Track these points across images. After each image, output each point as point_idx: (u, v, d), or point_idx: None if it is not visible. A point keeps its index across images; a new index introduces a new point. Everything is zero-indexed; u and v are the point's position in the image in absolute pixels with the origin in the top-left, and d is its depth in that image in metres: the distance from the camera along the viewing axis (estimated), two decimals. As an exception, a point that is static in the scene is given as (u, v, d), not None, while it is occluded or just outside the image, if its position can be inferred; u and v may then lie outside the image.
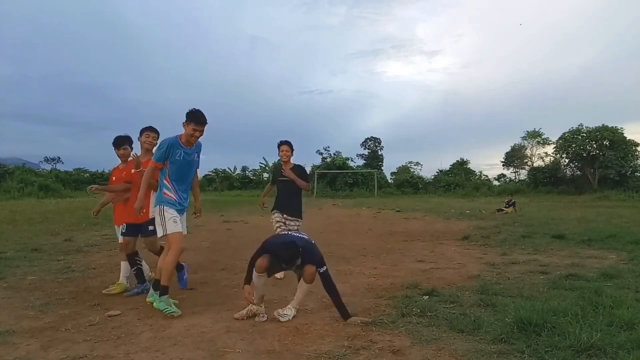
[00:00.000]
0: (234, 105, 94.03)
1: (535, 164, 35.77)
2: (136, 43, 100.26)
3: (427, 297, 4.10)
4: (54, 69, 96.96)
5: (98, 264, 6.08)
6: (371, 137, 41.66)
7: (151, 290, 4.09)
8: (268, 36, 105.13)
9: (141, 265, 4.63)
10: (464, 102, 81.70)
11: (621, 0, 79.76)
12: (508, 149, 38.39)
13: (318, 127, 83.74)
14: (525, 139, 37.06)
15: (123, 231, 4.53)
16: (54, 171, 36.52)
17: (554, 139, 32.53)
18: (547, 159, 34.24)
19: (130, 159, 4.60)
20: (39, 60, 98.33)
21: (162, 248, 4.36)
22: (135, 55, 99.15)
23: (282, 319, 3.51)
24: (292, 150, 5.36)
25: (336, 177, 35.22)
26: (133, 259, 4.56)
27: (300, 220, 5.31)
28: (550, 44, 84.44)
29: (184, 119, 3.83)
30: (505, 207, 15.91)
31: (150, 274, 4.81)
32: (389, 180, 38.20)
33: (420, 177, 37.24)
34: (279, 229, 5.13)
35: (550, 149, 33.75)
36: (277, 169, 5.78)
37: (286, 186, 5.30)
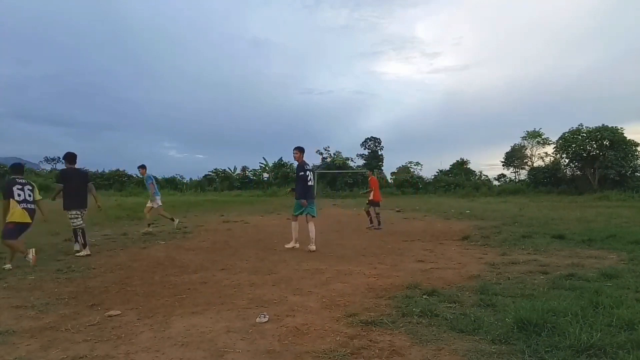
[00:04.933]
0: (234, 106, 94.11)
1: (535, 164, 35.80)
2: (138, 43, 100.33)
3: (427, 297, 4.10)
4: (55, 69, 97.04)
5: (98, 264, 6.08)
6: (371, 137, 41.65)
7: None
8: (270, 37, 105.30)
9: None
10: (464, 102, 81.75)
11: (621, 1, 79.81)
12: (508, 149, 38.44)
13: (318, 127, 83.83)
14: (525, 139, 37.10)
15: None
16: (54, 171, 36.46)
17: (554, 139, 32.55)
18: (547, 159, 34.30)
19: None
20: (40, 61, 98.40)
21: None
22: (136, 55, 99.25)
23: None
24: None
25: (336, 177, 35.21)
26: None
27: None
28: (550, 44, 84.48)
29: None
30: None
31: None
32: (389, 180, 38.18)
33: (420, 177, 37.22)
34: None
35: (550, 149, 33.80)
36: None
37: None
